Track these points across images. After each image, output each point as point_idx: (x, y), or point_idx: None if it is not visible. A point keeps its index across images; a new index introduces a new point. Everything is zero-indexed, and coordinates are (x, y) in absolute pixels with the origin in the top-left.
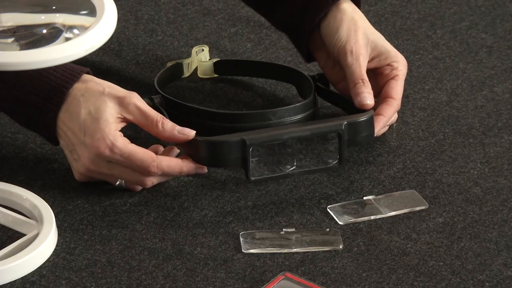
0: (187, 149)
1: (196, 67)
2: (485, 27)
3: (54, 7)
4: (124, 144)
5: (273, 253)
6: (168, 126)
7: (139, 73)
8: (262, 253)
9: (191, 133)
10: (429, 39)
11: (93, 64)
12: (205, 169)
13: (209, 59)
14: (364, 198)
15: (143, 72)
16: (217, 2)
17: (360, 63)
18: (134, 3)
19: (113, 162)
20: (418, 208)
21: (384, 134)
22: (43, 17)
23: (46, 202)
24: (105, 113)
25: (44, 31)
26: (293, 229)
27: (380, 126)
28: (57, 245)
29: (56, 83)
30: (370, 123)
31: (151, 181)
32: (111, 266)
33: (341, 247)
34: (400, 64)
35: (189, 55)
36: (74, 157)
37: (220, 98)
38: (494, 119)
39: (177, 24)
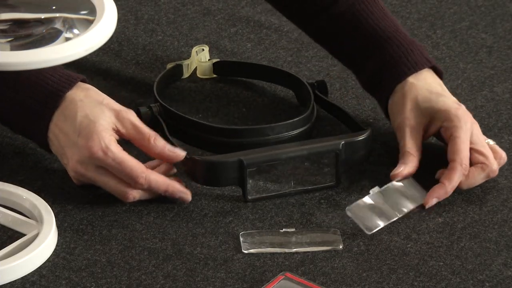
0: (185, 167)
1: (196, 67)
2: (485, 27)
3: (54, 7)
4: (117, 149)
5: (273, 253)
6: (160, 143)
7: (139, 73)
8: (262, 253)
9: (181, 153)
10: (429, 39)
11: (93, 64)
12: (189, 197)
13: (209, 60)
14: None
15: (143, 72)
16: (217, 2)
17: (404, 135)
18: (134, 3)
19: (101, 168)
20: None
21: (384, 134)
22: (43, 17)
23: (46, 202)
24: (102, 119)
25: (44, 31)
26: (293, 229)
27: (441, 193)
28: (57, 245)
29: (53, 87)
30: (368, 142)
31: (134, 195)
32: (111, 266)
33: (341, 247)
34: (450, 121)
35: (189, 55)
36: (64, 161)
37: (220, 98)
38: (494, 119)
39: (177, 24)
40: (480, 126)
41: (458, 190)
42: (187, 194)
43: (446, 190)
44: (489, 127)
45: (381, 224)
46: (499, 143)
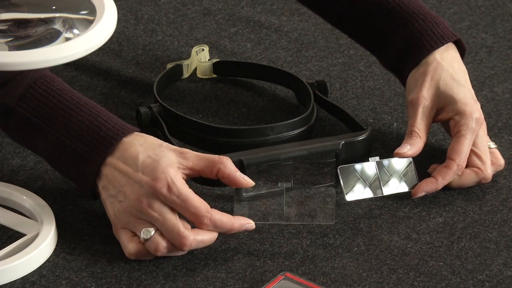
0: None
1: (196, 67)
2: (485, 27)
3: (54, 7)
4: (183, 186)
5: (273, 253)
6: (232, 165)
7: (139, 73)
8: (262, 253)
9: (251, 182)
10: None
11: (93, 64)
12: (254, 225)
13: (209, 60)
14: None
15: (143, 72)
16: (217, 2)
17: (416, 113)
18: (134, 3)
19: (164, 206)
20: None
21: (384, 134)
22: (42, 17)
23: (46, 202)
24: (165, 157)
25: (44, 31)
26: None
27: (431, 188)
28: (57, 245)
29: (106, 133)
30: (368, 142)
31: (191, 242)
32: (111, 266)
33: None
34: (463, 118)
35: (189, 55)
36: (119, 198)
37: (220, 98)
38: (494, 119)
39: (177, 24)
40: None
41: (458, 190)
42: (251, 223)
43: (436, 186)
44: (489, 127)
45: (363, 196)
46: (499, 143)
